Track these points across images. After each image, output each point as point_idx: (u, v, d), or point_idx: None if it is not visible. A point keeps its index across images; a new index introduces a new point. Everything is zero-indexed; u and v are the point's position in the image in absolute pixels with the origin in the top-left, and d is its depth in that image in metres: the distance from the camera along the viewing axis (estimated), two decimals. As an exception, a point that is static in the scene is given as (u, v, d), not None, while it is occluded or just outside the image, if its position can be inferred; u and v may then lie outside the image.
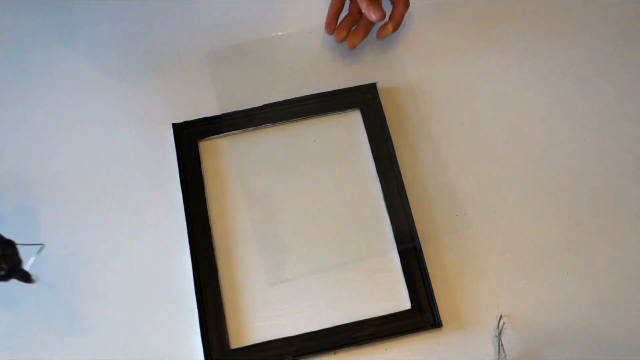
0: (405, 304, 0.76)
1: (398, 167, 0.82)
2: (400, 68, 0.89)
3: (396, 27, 0.88)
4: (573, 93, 0.88)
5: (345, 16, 0.89)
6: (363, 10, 0.83)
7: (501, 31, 0.91)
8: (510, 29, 0.91)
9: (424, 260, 0.77)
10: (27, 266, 0.69)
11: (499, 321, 0.75)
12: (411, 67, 0.88)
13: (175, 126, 0.84)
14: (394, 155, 0.82)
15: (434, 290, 0.76)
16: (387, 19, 0.85)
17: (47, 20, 0.92)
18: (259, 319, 0.76)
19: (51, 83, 0.88)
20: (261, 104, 0.85)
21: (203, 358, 0.73)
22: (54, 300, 0.77)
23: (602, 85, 0.88)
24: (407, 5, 0.88)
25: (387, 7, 0.85)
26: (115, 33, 0.91)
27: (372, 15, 0.82)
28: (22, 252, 0.69)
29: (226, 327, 0.74)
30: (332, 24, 0.88)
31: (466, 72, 0.89)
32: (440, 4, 0.93)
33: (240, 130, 0.84)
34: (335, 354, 0.74)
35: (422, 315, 0.75)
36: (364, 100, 0.86)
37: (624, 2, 0.93)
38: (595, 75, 0.89)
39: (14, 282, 0.68)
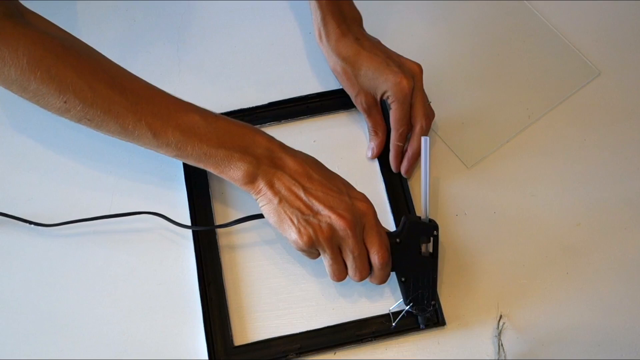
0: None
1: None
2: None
3: (414, 159, 0.82)
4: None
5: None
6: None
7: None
8: None
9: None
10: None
11: (499, 321, 0.75)
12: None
13: (180, 123, 0.83)
14: (398, 154, 0.83)
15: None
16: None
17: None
18: (263, 316, 0.76)
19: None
20: (266, 102, 0.85)
21: (207, 355, 0.73)
22: (54, 297, 0.77)
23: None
24: (429, 119, 0.81)
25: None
26: (116, 32, 0.91)
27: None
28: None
29: (230, 324, 0.75)
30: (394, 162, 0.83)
31: (465, 64, 0.90)
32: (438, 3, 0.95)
33: (244, 128, 0.84)
34: (335, 353, 0.74)
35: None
36: (368, 99, 0.86)
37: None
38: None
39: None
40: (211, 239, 0.78)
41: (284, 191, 0.69)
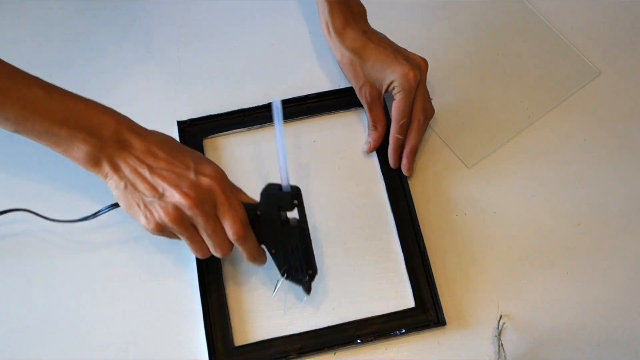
0: (410, 303, 0.76)
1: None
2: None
3: (412, 154, 0.82)
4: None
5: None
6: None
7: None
8: None
9: (427, 259, 0.77)
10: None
11: (499, 321, 0.75)
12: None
13: (180, 124, 0.84)
14: (398, 154, 0.83)
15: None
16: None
17: (46, 21, 0.92)
18: (263, 316, 0.76)
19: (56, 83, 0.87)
20: (266, 102, 0.85)
21: (207, 355, 0.73)
22: (55, 298, 0.77)
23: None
24: (426, 119, 0.82)
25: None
26: (116, 32, 0.91)
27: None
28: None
29: (230, 324, 0.75)
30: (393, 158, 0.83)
31: (465, 64, 0.90)
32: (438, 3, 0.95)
33: (245, 128, 0.84)
34: (335, 353, 0.74)
35: (425, 313, 0.75)
36: (368, 99, 0.86)
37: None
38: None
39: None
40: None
41: (129, 174, 0.66)
